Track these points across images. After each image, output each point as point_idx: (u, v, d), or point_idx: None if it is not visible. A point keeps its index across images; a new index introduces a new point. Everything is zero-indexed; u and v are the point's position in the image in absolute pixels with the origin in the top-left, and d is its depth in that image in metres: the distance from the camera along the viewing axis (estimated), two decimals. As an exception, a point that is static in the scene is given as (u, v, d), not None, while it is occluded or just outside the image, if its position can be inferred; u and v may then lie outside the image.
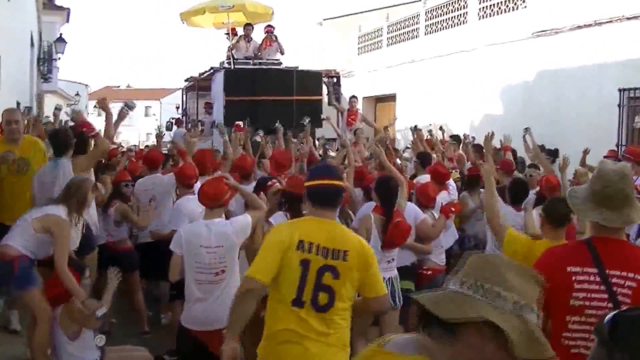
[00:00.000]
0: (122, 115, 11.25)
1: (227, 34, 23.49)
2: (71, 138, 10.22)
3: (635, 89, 17.80)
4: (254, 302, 5.77)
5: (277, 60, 22.76)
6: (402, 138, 24.95)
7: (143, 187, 11.95)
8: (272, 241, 5.88)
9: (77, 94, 52.20)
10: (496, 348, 2.63)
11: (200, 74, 24.52)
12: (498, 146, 16.15)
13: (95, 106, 24.11)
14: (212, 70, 22.98)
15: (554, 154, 16.29)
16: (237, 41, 22.64)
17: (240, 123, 15.30)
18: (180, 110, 28.60)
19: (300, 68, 22.60)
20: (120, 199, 11.35)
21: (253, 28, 23.06)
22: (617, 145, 17.69)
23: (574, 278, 4.92)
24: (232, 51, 22.31)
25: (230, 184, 8.61)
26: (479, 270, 2.76)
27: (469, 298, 2.69)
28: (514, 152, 15.02)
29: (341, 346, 5.85)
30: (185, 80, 27.14)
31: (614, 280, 4.81)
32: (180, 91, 29.18)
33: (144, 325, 11.48)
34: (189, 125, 23.94)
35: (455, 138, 17.21)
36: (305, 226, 5.92)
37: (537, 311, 2.75)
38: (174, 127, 25.88)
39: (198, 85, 25.11)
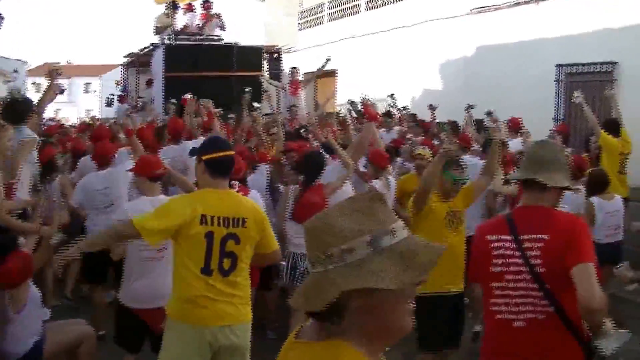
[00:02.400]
0: (51, 97, 11.17)
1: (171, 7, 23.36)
2: (28, 106, 10.28)
3: (572, 64, 18.11)
4: (119, 243, 6.83)
5: (217, 36, 22.72)
6: (343, 112, 25.08)
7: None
8: (175, 210, 6.19)
9: (15, 71, 51.48)
10: (380, 298, 2.44)
11: (141, 50, 24.35)
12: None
13: (33, 83, 23.86)
14: (152, 46, 22.84)
15: (455, 126, 16.40)
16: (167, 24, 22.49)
17: (188, 96, 15.26)
18: (120, 87, 28.42)
19: (241, 44, 22.55)
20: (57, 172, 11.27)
21: (177, 5, 22.89)
22: (555, 120, 18.05)
23: (491, 245, 5.15)
24: (170, 27, 22.18)
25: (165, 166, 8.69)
26: (318, 240, 2.54)
27: (325, 274, 2.48)
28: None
29: (245, 301, 6.40)
30: (125, 56, 26.96)
31: (526, 244, 5.01)
32: (121, 67, 28.99)
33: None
34: (136, 103, 23.77)
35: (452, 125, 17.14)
36: (206, 200, 6.25)
37: (394, 226, 2.50)
38: (117, 104, 25.72)
39: (138, 61, 24.92)
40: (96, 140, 12.01)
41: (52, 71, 10.81)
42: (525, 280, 4.96)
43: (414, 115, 18.45)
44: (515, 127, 14.07)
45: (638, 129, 13.56)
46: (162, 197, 7.99)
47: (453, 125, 16.18)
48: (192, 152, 8.63)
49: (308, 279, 2.56)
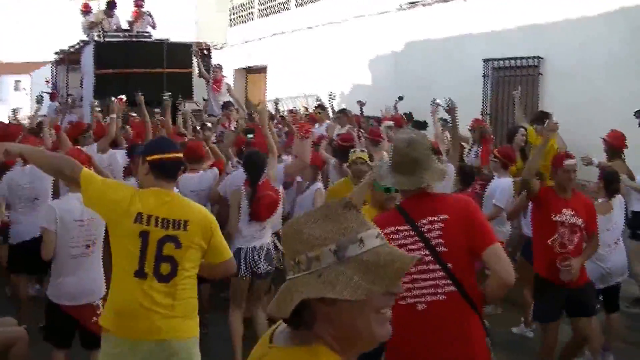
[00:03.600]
0: None
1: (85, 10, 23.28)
2: None
3: (498, 59, 18.35)
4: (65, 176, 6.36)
5: (147, 33, 22.63)
6: (273, 109, 25.12)
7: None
8: (120, 189, 6.03)
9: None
10: (340, 307, 2.42)
11: (70, 47, 24.10)
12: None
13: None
14: (81, 44, 22.66)
15: (422, 125, 16.57)
16: (101, 20, 22.34)
17: (123, 97, 15.21)
18: (50, 84, 28.17)
19: (171, 40, 22.46)
20: None
21: (115, 4, 22.73)
22: (482, 114, 18.23)
23: (389, 237, 5.22)
24: (100, 24, 22.03)
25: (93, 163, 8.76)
26: (289, 247, 2.55)
27: (294, 282, 2.50)
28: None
29: (188, 315, 5.99)
30: (55, 54, 26.73)
31: (425, 228, 5.20)
32: (51, 65, 28.73)
33: None
34: (66, 101, 23.53)
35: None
36: (146, 198, 5.94)
37: (363, 234, 2.48)
38: (48, 102, 25.47)
39: (68, 59, 24.70)
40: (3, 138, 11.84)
41: None
42: (427, 263, 5.16)
43: (343, 110, 18.56)
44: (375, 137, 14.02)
45: (563, 123, 13.79)
46: None
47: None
48: (134, 151, 8.64)
49: (282, 288, 2.55)
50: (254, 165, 9.62)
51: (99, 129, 13.65)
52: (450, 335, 5.05)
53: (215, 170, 11.22)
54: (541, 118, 13.28)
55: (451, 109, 11.48)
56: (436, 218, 5.21)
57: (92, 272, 7.84)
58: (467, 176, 11.58)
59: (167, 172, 6.07)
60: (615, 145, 12.24)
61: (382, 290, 2.40)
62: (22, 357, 7.96)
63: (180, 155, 6.24)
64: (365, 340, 2.52)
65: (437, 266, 5.14)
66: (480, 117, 17.42)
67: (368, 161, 9.95)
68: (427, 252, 5.14)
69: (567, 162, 8.67)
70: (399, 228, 5.30)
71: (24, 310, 10.20)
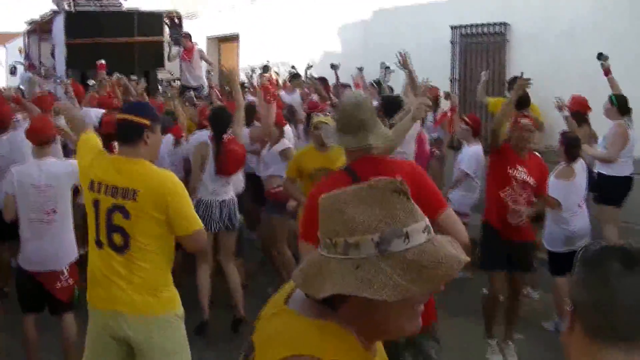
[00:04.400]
0: None
1: None
2: None
3: (466, 26, 18.51)
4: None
5: (118, 2, 22.60)
6: (245, 77, 25.16)
7: None
8: (84, 155, 6.08)
9: None
10: (377, 304, 2.28)
11: (42, 17, 24.10)
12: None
13: None
14: (52, 13, 22.64)
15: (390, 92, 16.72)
16: None
17: (103, 61, 15.34)
18: (23, 55, 28.10)
19: (142, 9, 22.45)
20: None
21: None
22: (451, 81, 18.42)
23: None
24: None
25: (60, 125, 8.89)
26: (327, 223, 2.38)
27: (327, 261, 2.33)
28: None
29: (150, 292, 5.76)
30: (27, 23, 26.65)
31: None
32: (23, 35, 28.64)
33: None
34: (39, 71, 23.49)
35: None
36: (101, 164, 5.86)
37: (410, 228, 2.31)
38: (22, 72, 25.44)
39: (40, 29, 24.63)
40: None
41: None
42: None
43: (323, 79, 18.67)
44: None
45: (530, 90, 13.99)
46: (51, 159, 8.24)
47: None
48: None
49: (310, 258, 2.44)
50: (219, 119, 9.85)
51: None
52: None
53: (170, 137, 11.29)
54: (523, 100, 13.58)
55: (404, 62, 11.54)
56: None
57: (57, 238, 7.98)
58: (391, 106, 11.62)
59: (120, 135, 5.97)
60: (580, 110, 12.47)
61: (422, 292, 2.26)
62: None
63: (132, 117, 5.86)
64: (391, 333, 2.45)
65: None
66: (449, 83, 17.64)
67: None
68: None
69: (523, 121, 8.97)
70: None
71: (4, 273, 10.49)
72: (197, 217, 5.88)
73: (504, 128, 9.28)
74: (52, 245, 7.94)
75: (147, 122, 5.86)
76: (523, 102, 12.18)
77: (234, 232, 10.03)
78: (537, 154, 9.43)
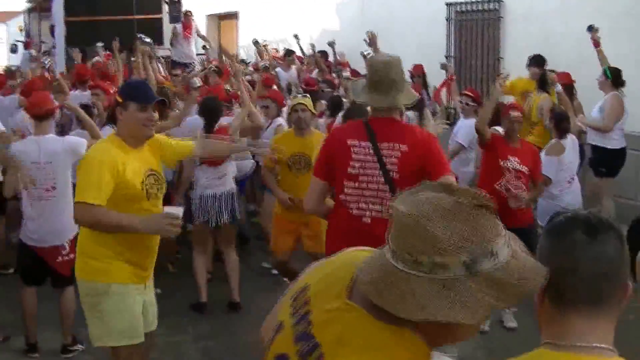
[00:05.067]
0: None
1: None
2: None
3: (461, 2, 18.65)
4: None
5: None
6: (245, 54, 25.14)
7: None
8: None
9: None
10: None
11: (42, -5, 24.26)
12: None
13: None
14: (52, -10, 22.78)
15: None
16: None
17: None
18: (24, 33, 28.22)
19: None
20: None
21: None
22: (447, 57, 18.47)
23: (352, 149, 5.85)
24: None
25: (69, 105, 9.05)
26: (408, 239, 2.23)
27: (407, 279, 2.21)
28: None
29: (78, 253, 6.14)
30: (27, 1, 26.77)
31: (384, 151, 5.77)
32: (23, 13, 28.76)
33: None
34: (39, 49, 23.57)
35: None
36: None
37: (496, 246, 2.23)
38: (22, 50, 25.57)
39: (40, 7, 24.75)
40: None
41: None
42: (378, 182, 5.75)
43: (324, 52, 18.84)
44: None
45: (524, 66, 14.24)
46: (50, 136, 8.32)
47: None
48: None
49: (380, 266, 2.31)
50: (209, 110, 9.90)
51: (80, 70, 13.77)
52: None
53: None
54: (540, 63, 13.79)
55: (372, 42, 11.67)
56: (396, 146, 5.78)
57: (57, 214, 8.05)
58: (336, 106, 12.07)
59: None
60: (566, 83, 12.70)
61: (505, 307, 2.32)
62: None
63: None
64: (456, 339, 2.42)
65: (387, 187, 5.72)
66: (445, 60, 17.74)
67: (312, 109, 9.58)
68: (381, 172, 5.72)
69: (513, 113, 9.20)
70: (362, 143, 5.85)
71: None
72: (89, 189, 5.64)
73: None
74: (52, 221, 8.08)
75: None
76: (544, 84, 12.69)
77: (234, 226, 10.09)
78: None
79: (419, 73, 15.49)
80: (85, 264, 5.96)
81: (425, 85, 15.32)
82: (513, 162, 8.99)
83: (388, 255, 2.30)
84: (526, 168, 9.09)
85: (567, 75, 12.95)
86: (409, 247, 2.21)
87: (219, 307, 9.87)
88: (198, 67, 18.41)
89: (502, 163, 9.01)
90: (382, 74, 5.82)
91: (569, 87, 12.70)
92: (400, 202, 2.33)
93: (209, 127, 9.71)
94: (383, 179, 5.74)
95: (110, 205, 5.63)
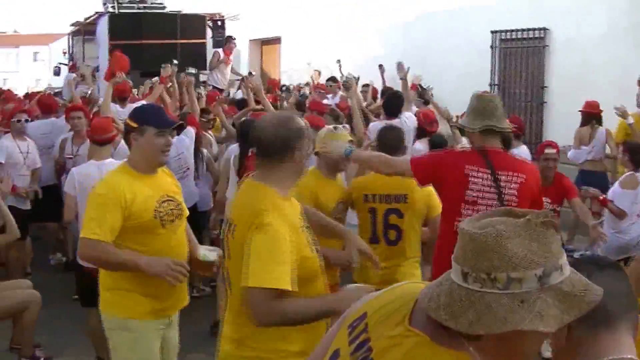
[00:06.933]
0: None
1: None
2: None
3: (506, 30, 18.53)
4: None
5: (160, 4, 22.85)
6: (288, 79, 25.19)
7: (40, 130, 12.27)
8: None
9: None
10: (529, 334, 2.27)
11: (86, 19, 24.38)
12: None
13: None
14: (96, 15, 22.92)
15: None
16: None
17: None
18: (67, 55, 28.40)
19: (184, 12, 22.73)
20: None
21: None
22: (490, 86, 18.41)
23: (470, 175, 5.97)
24: None
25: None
26: (483, 257, 2.30)
27: (481, 297, 2.27)
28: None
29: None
30: (72, 25, 26.95)
31: (503, 181, 5.94)
32: (67, 36, 28.95)
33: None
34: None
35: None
36: None
37: (562, 261, 2.33)
38: (67, 72, 25.69)
39: (84, 30, 24.93)
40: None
41: None
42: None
43: (367, 85, 18.84)
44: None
45: (568, 94, 14.16)
46: (109, 160, 8.24)
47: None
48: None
49: (449, 290, 2.37)
50: (244, 134, 9.75)
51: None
52: None
53: (192, 130, 10.59)
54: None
55: (402, 71, 11.78)
56: (515, 175, 5.96)
57: None
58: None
59: None
60: (594, 113, 12.84)
61: (571, 319, 2.29)
62: (33, 322, 8.21)
63: None
64: (521, 358, 2.43)
65: None
66: (488, 88, 17.64)
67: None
68: (498, 204, 5.80)
69: (547, 150, 9.21)
70: (481, 170, 5.96)
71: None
72: (92, 225, 5.44)
73: None
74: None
75: None
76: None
77: None
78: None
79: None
80: (105, 296, 5.79)
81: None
82: (546, 204, 8.73)
83: (457, 279, 2.35)
84: (557, 206, 9.10)
85: (592, 104, 12.95)
86: (487, 267, 2.27)
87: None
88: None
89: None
90: (488, 99, 6.11)
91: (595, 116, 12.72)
92: (471, 225, 2.39)
93: (242, 152, 9.21)
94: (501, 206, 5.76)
95: (125, 236, 5.49)
